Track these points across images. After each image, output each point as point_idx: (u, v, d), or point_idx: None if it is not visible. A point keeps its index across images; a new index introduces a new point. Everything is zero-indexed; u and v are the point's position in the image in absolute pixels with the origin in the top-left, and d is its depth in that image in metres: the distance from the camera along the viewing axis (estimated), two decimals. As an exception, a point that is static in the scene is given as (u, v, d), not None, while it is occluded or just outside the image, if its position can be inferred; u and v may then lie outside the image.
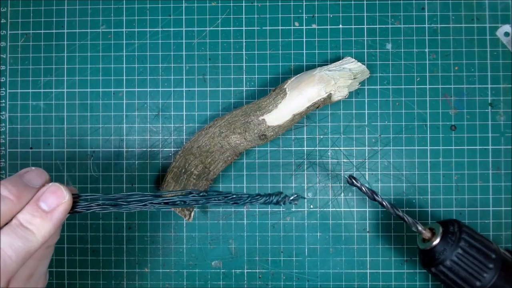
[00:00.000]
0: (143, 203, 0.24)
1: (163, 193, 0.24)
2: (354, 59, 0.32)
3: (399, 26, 0.35)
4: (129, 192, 0.26)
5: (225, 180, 0.35)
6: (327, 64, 0.32)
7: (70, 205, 0.23)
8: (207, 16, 0.35)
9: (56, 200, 0.22)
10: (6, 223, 0.21)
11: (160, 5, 0.35)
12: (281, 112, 0.31)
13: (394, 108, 0.34)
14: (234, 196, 0.25)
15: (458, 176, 0.34)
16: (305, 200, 0.34)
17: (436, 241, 0.28)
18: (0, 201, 0.21)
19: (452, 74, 0.34)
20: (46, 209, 0.22)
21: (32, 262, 0.24)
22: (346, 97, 0.32)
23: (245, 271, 0.34)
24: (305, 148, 0.35)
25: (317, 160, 0.35)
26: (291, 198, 0.25)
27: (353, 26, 0.35)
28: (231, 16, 0.35)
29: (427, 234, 0.29)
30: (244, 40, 0.35)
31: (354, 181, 0.29)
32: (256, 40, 0.35)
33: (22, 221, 0.21)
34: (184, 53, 0.35)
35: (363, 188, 0.29)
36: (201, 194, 0.24)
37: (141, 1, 0.35)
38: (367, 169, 0.34)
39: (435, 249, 0.28)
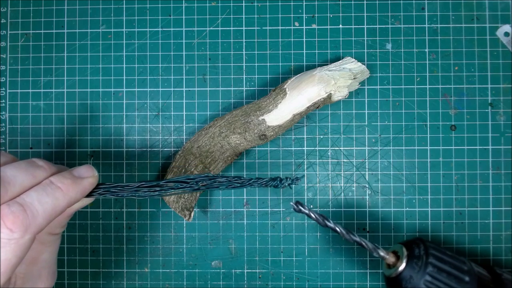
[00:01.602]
0: (153, 189, 0.25)
1: (171, 180, 0.25)
2: (354, 59, 0.32)
3: (399, 26, 0.35)
4: (141, 181, 0.27)
5: (225, 180, 0.35)
6: (327, 64, 0.32)
7: (97, 181, 0.25)
8: (207, 16, 0.35)
9: (86, 172, 0.25)
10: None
11: (160, 5, 0.35)
12: (281, 112, 0.30)
13: (394, 108, 0.34)
14: (236, 178, 0.26)
15: (458, 176, 0.34)
16: (305, 199, 0.34)
17: (402, 266, 0.25)
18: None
19: (452, 74, 0.34)
20: (76, 175, 0.24)
21: (36, 245, 0.25)
22: (346, 97, 0.32)
23: (245, 271, 0.34)
24: (305, 148, 0.35)
25: (317, 160, 0.35)
26: (291, 180, 0.25)
27: (353, 26, 0.35)
28: (231, 16, 0.35)
29: (391, 259, 0.26)
30: (244, 40, 0.35)
31: (301, 207, 0.26)
32: (256, 40, 0.35)
33: (53, 180, 0.23)
34: (184, 53, 0.35)
35: (312, 215, 0.26)
36: (205, 175, 0.26)
37: (141, 1, 0.35)
38: (367, 169, 0.34)
39: (401, 276, 0.25)
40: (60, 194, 0.23)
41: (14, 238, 0.20)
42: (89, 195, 0.25)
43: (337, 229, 0.26)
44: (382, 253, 0.26)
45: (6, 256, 0.20)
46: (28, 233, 0.21)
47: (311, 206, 0.34)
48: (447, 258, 0.26)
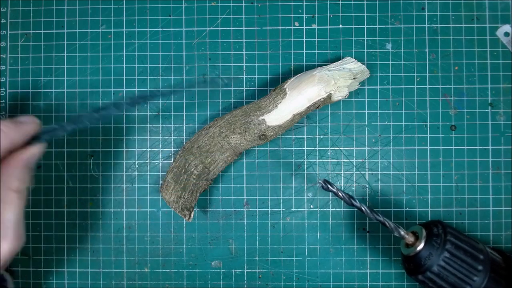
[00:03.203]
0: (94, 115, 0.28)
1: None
2: (354, 59, 0.32)
3: (399, 26, 0.35)
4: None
5: (225, 180, 0.35)
6: (327, 64, 0.32)
7: (37, 126, 0.27)
8: (207, 16, 0.35)
9: (27, 118, 0.27)
10: None
11: (160, 5, 0.35)
12: (281, 112, 0.31)
13: (394, 108, 0.34)
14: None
15: (458, 176, 0.34)
16: (305, 199, 0.34)
17: (421, 245, 0.26)
18: None
19: (452, 74, 0.34)
20: (18, 121, 0.27)
21: None
22: (346, 97, 0.32)
23: (245, 271, 0.34)
24: (305, 148, 0.35)
25: (317, 160, 0.35)
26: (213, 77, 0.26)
27: (353, 26, 0.35)
28: (231, 16, 0.35)
29: (410, 238, 0.27)
30: (244, 40, 0.35)
31: (329, 185, 0.27)
32: (256, 40, 0.35)
33: None
34: (184, 53, 0.35)
35: (339, 194, 0.27)
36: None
37: (141, 1, 0.35)
38: (367, 169, 0.34)
39: (420, 254, 0.26)
40: (2, 135, 0.25)
41: None
42: (36, 140, 0.27)
43: (363, 208, 0.27)
44: (402, 233, 0.27)
45: None
46: None
47: (311, 206, 0.34)
48: (463, 237, 0.26)
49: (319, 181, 0.28)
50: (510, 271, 0.27)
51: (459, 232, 0.27)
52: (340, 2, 0.35)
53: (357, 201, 0.27)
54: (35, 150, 0.27)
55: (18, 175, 0.26)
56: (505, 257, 0.28)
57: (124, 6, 0.35)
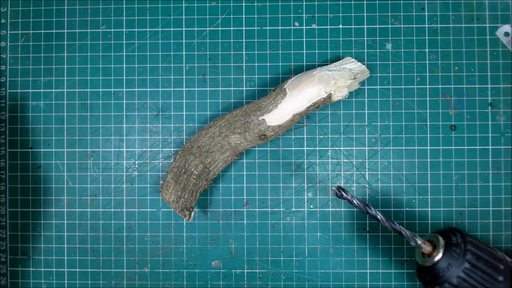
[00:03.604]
0: None
1: None
2: (354, 59, 0.32)
3: (399, 26, 0.35)
4: None
5: (225, 180, 0.35)
6: (327, 64, 0.32)
7: None
8: (207, 16, 0.35)
9: None
10: None
11: (160, 5, 0.35)
12: (281, 112, 0.31)
13: (394, 108, 0.34)
14: None
15: (458, 176, 0.34)
16: (305, 199, 0.34)
17: (439, 255, 0.25)
18: None
19: (452, 74, 0.34)
20: None
21: None
22: (346, 97, 0.32)
23: (245, 271, 0.34)
24: (305, 148, 0.35)
25: (317, 160, 0.35)
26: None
27: (353, 26, 0.35)
28: (231, 16, 0.35)
29: (427, 248, 0.26)
30: (244, 40, 0.35)
31: (343, 193, 0.26)
32: (256, 40, 0.35)
33: None
34: (184, 53, 0.35)
35: (354, 201, 0.26)
36: None
37: (141, 1, 0.35)
38: (367, 169, 0.34)
39: (438, 265, 0.25)
40: None
41: None
42: None
43: (378, 216, 0.26)
44: (419, 242, 0.26)
45: None
46: None
47: (311, 206, 0.34)
48: (482, 246, 0.25)
49: (333, 188, 0.27)
50: None
51: (478, 241, 0.26)
52: (340, 2, 0.35)
53: (372, 208, 0.26)
54: None
55: None
56: None
57: (124, 6, 0.35)
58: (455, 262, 0.24)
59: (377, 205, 0.34)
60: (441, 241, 0.26)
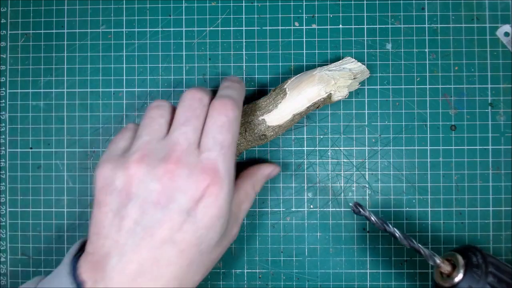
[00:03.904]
0: None
1: None
2: (354, 59, 0.32)
3: (399, 26, 0.35)
4: None
5: (225, 180, 0.35)
6: (327, 64, 0.32)
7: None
8: (207, 16, 0.35)
9: (235, 78, 0.31)
10: None
11: (160, 5, 0.35)
12: (281, 112, 0.30)
13: (394, 108, 0.34)
14: None
15: (458, 176, 0.34)
16: (305, 199, 0.34)
17: (459, 276, 0.24)
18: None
19: (452, 74, 0.34)
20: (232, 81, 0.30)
21: (243, 194, 0.30)
22: (346, 97, 0.32)
23: (245, 271, 0.34)
24: (305, 148, 0.35)
25: (317, 160, 0.35)
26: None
27: (353, 26, 0.35)
28: (231, 16, 0.35)
29: (446, 267, 0.25)
30: (244, 40, 0.35)
31: (361, 209, 0.25)
32: (256, 40, 0.35)
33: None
34: (184, 53, 0.35)
35: (371, 218, 0.26)
36: None
37: (141, 1, 0.35)
38: (367, 169, 0.34)
39: (458, 286, 0.24)
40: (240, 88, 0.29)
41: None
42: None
43: (396, 234, 0.26)
44: (438, 261, 0.25)
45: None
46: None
47: (311, 206, 0.34)
48: (503, 267, 0.24)
49: (350, 204, 0.26)
50: None
51: (499, 261, 0.25)
52: (340, 2, 0.35)
53: (390, 225, 0.26)
54: (276, 171, 0.32)
55: (259, 184, 0.31)
56: None
57: (124, 6, 0.35)
58: (476, 284, 0.23)
59: (377, 205, 0.34)
60: (461, 260, 0.25)
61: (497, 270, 0.24)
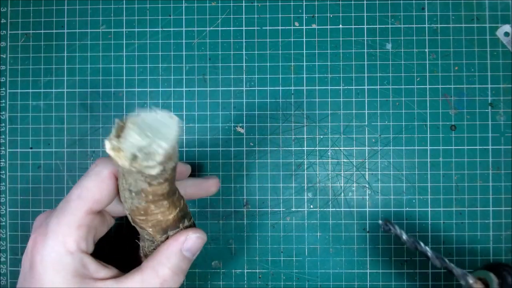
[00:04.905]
0: None
1: None
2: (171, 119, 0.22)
3: (399, 26, 0.35)
4: None
5: (225, 180, 0.35)
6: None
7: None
8: (207, 16, 0.35)
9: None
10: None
11: (160, 5, 0.35)
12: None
13: (394, 108, 0.34)
14: None
15: (458, 176, 0.34)
16: (305, 199, 0.34)
17: None
18: None
19: (452, 74, 0.34)
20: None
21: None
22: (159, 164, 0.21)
23: (245, 271, 0.34)
24: (305, 148, 0.35)
25: (317, 160, 0.35)
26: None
27: (353, 26, 0.35)
28: (231, 16, 0.35)
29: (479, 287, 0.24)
30: (244, 40, 0.35)
31: (391, 227, 0.25)
32: (256, 40, 0.35)
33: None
34: (184, 53, 0.35)
35: (403, 237, 0.25)
36: None
37: (141, 1, 0.35)
38: (367, 169, 0.34)
39: None
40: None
41: None
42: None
43: (428, 253, 0.25)
44: (471, 281, 0.24)
45: None
46: None
47: (311, 206, 0.34)
48: None
49: (380, 221, 0.26)
50: None
51: None
52: (340, 2, 0.35)
53: (422, 244, 0.25)
54: (196, 239, 0.25)
55: (171, 261, 0.25)
56: None
57: (124, 6, 0.35)
58: None
59: (377, 205, 0.34)
60: (495, 280, 0.24)
61: None
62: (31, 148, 0.35)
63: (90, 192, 0.24)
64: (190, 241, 0.25)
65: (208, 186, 0.31)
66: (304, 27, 0.35)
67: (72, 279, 0.23)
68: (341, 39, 0.35)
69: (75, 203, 0.24)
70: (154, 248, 0.26)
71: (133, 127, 0.20)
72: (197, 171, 0.35)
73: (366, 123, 0.34)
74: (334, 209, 0.34)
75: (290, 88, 0.35)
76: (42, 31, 0.35)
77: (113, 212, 0.27)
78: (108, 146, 0.19)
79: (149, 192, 0.22)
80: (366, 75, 0.34)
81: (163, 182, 0.22)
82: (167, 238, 0.26)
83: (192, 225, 0.27)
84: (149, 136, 0.20)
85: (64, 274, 0.23)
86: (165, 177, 0.22)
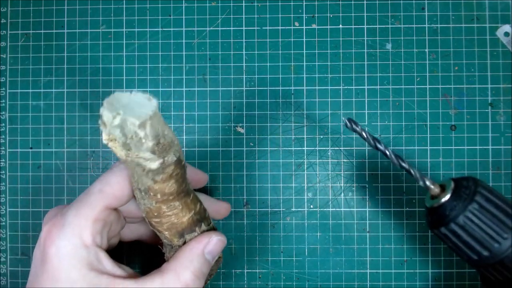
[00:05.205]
0: None
1: None
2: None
3: (399, 26, 0.35)
4: None
5: (225, 180, 0.35)
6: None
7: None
8: (207, 16, 0.35)
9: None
10: None
11: (160, 5, 0.35)
12: None
13: (394, 108, 0.34)
14: None
15: (458, 176, 0.34)
16: (305, 199, 0.34)
17: (447, 196, 0.23)
18: None
19: (452, 74, 0.34)
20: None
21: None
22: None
23: (245, 271, 0.34)
24: (305, 148, 0.35)
25: (317, 160, 0.35)
26: None
27: (353, 26, 0.35)
28: (231, 16, 0.35)
29: (435, 189, 0.24)
30: (244, 40, 0.35)
31: (353, 125, 0.24)
32: (256, 40, 0.35)
33: None
34: (184, 53, 0.35)
35: (363, 134, 0.25)
36: None
37: (141, 1, 0.35)
38: (367, 169, 0.34)
39: (445, 205, 0.23)
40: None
41: None
42: None
43: (387, 152, 0.25)
44: (428, 182, 0.24)
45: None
46: None
47: (311, 206, 0.34)
48: (496, 192, 0.24)
49: (343, 118, 0.26)
50: None
51: (493, 189, 0.24)
52: (340, 2, 0.35)
53: (382, 144, 0.25)
54: (218, 241, 0.25)
55: (194, 264, 0.24)
56: None
57: (124, 6, 0.35)
58: (463, 202, 0.23)
59: (377, 205, 0.34)
60: (452, 183, 0.24)
61: (486, 191, 0.23)
62: (31, 148, 0.35)
63: (112, 188, 0.23)
64: (212, 243, 0.25)
65: (219, 208, 0.30)
66: (304, 27, 0.35)
67: (88, 274, 0.22)
68: (341, 39, 0.35)
69: (95, 196, 0.23)
70: (174, 253, 0.26)
71: (106, 105, 0.19)
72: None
73: (366, 123, 0.34)
74: (334, 209, 0.34)
75: (290, 88, 0.35)
76: (42, 31, 0.35)
77: (130, 214, 0.27)
78: (104, 137, 0.19)
79: (156, 190, 0.22)
80: (366, 75, 0.34)
81: (167, 179, 0.22)
82: (184, 242, 0.25)
83: (212, 230, 0.27)
84: (119, 114, 0.19)
85: (80, 267, 0.22)
86: (169, 173, 0.22)
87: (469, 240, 0.23)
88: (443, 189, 0.24)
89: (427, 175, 0.34)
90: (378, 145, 0.25)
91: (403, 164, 0.25)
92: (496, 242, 0.22)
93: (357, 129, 0.25)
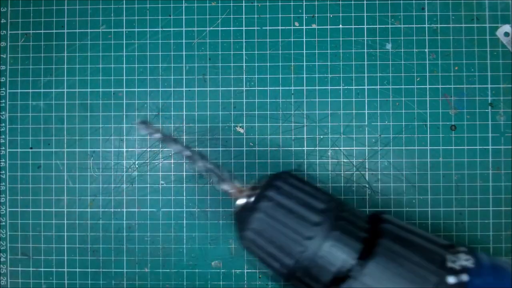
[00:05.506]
0: None
1: None
2: None
3: (399, 26, 0.35)
4: None
5: (225, 180, 0.35)
6: None
7: None
8: (207, 16, 0.35)
9: None
10: None
11: (160, 5, 0.35)
12: None
13: (394, 108, 0.34)
14: None
15: (458, 176, 0.34)
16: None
17: (243, 199, 0.20)
18: None
19: (452, 74, 0.34)
20: None
21: None
22: None
23: (245, 271, 0.34)
24: (305, 148, 0.35)
25: (317, 160, 0.35)
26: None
27: (353, 26, 0.35)
28: (231, 16, 0.35)
29: (236, 193, 0.20)
30: (244, 40, 0.35)
31: (146, 127, 0.21)
32: (256, 40, 0.35)
33: None
34: (184, 53, 0.35)
35: (157, 135, 0.22)
36: None
37: (141, 1, 0.35)
38: (367, 169, 0.34)
39: (239, 212, 0.20)
40: None
41: None
42: None
43: (186, 152, 0.21)
44: (225, 187, 0.20)
45: None
46: None
47: (311, 206, 0.34)
48: (296, 183, 0.19)
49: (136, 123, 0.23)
50: (372, 234, 0.19)
51: (296, 178, 0.20)
52: (340, 2, 0.35)
53: (179, 143, 0.21)
54: None
55: None
56: (374, 217, 0.20)
57: (124, 6, 0.35)
58: (249, 209, 0.19)
59: (377, 205, 0.34)
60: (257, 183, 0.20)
61: (281, 181, 0.20)
62: (31, 148, 0.35)
63: None
64: None
65: None
66: (304, 27, 0.35)
67: None
68: (341, 39, 0.35)
69: None
70: None
71: None
72: (196, 171, 0.35)
73: (366, 123, 0.34)
74: (334, 209, 0.34)
75: (290, 88, 0.35)
76: (42, 31, 0.35)
77: None
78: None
79: None
80: (366, 75, 0.34)
81: None
82: None
83: None
84: None
85: None
86: None
87: (270, 248, 0.18)
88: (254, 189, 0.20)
89: (427, 175, 0.34)
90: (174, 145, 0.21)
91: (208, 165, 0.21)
92: (299, 245, 0.17)
93: (151, 130, 0.21)
